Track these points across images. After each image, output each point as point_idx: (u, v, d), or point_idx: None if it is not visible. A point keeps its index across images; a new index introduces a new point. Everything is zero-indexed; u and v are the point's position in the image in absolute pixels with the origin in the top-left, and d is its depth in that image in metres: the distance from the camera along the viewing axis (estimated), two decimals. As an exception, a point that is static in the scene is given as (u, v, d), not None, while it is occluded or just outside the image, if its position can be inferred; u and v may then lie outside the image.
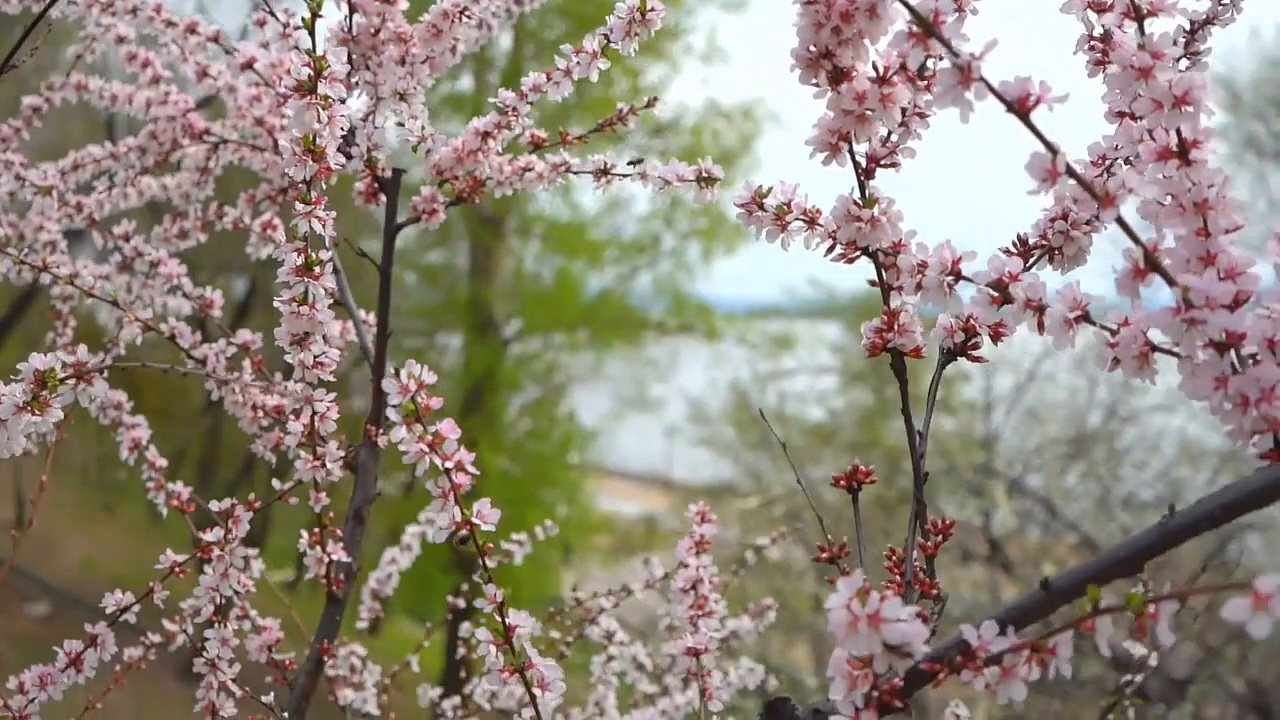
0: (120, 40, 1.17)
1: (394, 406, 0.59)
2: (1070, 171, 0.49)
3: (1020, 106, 0.49)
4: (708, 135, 10.10)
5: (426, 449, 0.60)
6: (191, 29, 1.07)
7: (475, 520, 0.61)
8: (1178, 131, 0.52)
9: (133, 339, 1.06)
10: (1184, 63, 0.70)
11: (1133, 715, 1.02)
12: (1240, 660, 5.96)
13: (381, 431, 0.94)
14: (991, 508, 5.83)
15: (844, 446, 8.60)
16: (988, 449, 6.02)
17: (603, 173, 0.94)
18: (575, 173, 0.95)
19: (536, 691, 0.63)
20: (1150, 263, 0.50)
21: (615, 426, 12.05)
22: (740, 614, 1.43)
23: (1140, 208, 0.57)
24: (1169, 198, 0.53)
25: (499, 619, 0.63)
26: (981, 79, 0.48)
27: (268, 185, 1.15)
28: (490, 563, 0.65)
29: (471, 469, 0.61)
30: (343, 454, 0.89)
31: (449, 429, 0.61)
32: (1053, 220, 0.66)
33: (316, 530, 0.93)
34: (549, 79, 0.89)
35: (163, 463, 1.07)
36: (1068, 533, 6.45)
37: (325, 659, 0.96)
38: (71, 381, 0.65)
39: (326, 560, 0.94)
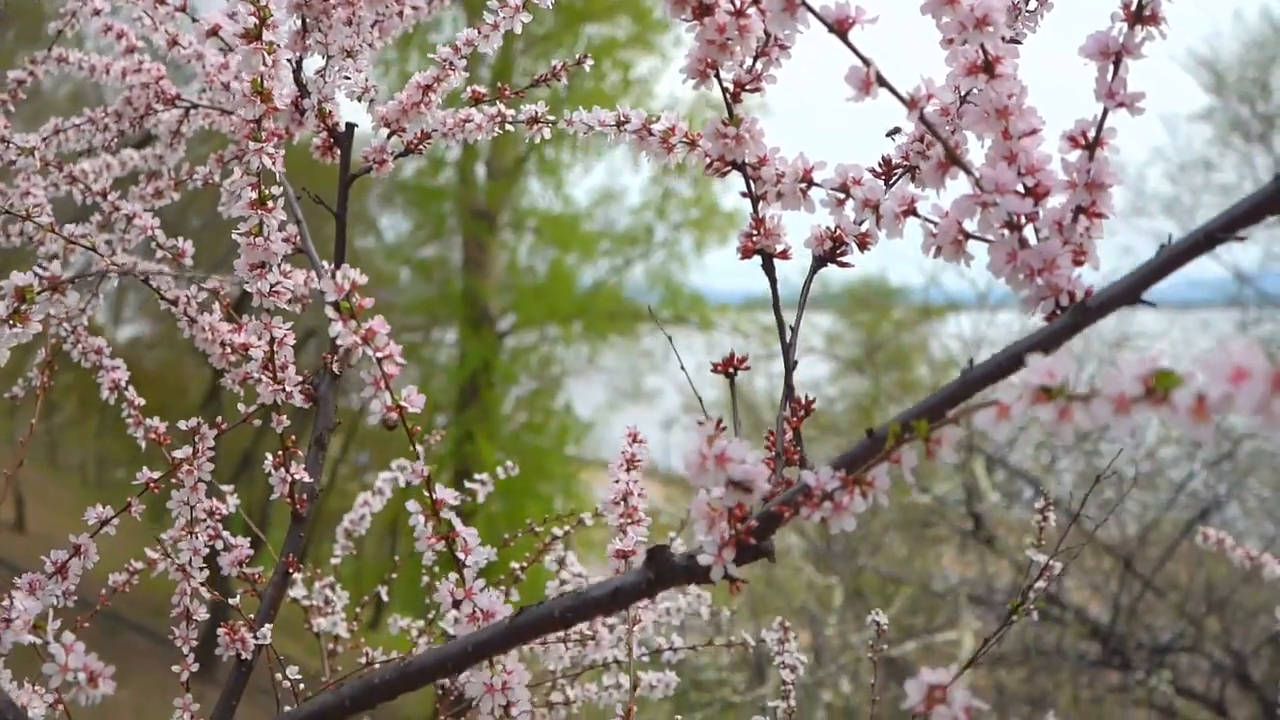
0: (96, 13, 1.26)
1: (330, 304, 0.68)
2: (880, 80, 0.58)
3: (840, 27, 0.58)
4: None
5: (360, 341, 0.69)
6: (160, 0, 1.15)
7: (404, 404, 0.71)
8: (982, 48, 0.61)
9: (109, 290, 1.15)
10: (1032, 3, 0.79)
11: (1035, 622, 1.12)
12: (1223, 630, 6.07)
13: (337, 358, 1.03)
14: (971, 481, 5.94)
15: (838, 432, 8.70)
16: (968, 425, 6.13)
17: (534, 120, 1.03)
18: (511, 123, 1.04)
19: (460, 555, 0.72)
20: (951, 158, 0.59)
21: (611, 418, 12.14)
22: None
23: (964, 121, 0.66)
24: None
25: (427, 493, 0.72)
26: (804, 4, 0.57)
27: (236, 146, 1.24)
28: (419, 449, 0.74)
29: (400, 360, 0.70)
30: (301, 378, 0.98)
31: (380, 324, 0.70)
32: (913, 142, 0.75)
33: (280, 453, 1.02)
34: (480, 32, 0.99)
35: (141, 401, 1.16)
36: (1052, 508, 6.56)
37: (291, 572, 1.06)
38: (47, 294, 0.74)
39: (290, 481, 1.03)
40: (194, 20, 1.15)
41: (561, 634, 1.21)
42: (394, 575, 1.53)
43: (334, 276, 0.68)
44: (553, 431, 11.63)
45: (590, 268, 12.14)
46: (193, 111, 1.26)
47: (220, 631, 1.02)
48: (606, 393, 12.25)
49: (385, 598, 1.47)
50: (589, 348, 12.22)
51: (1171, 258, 0.54)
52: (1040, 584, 1.11)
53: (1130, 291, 0.55)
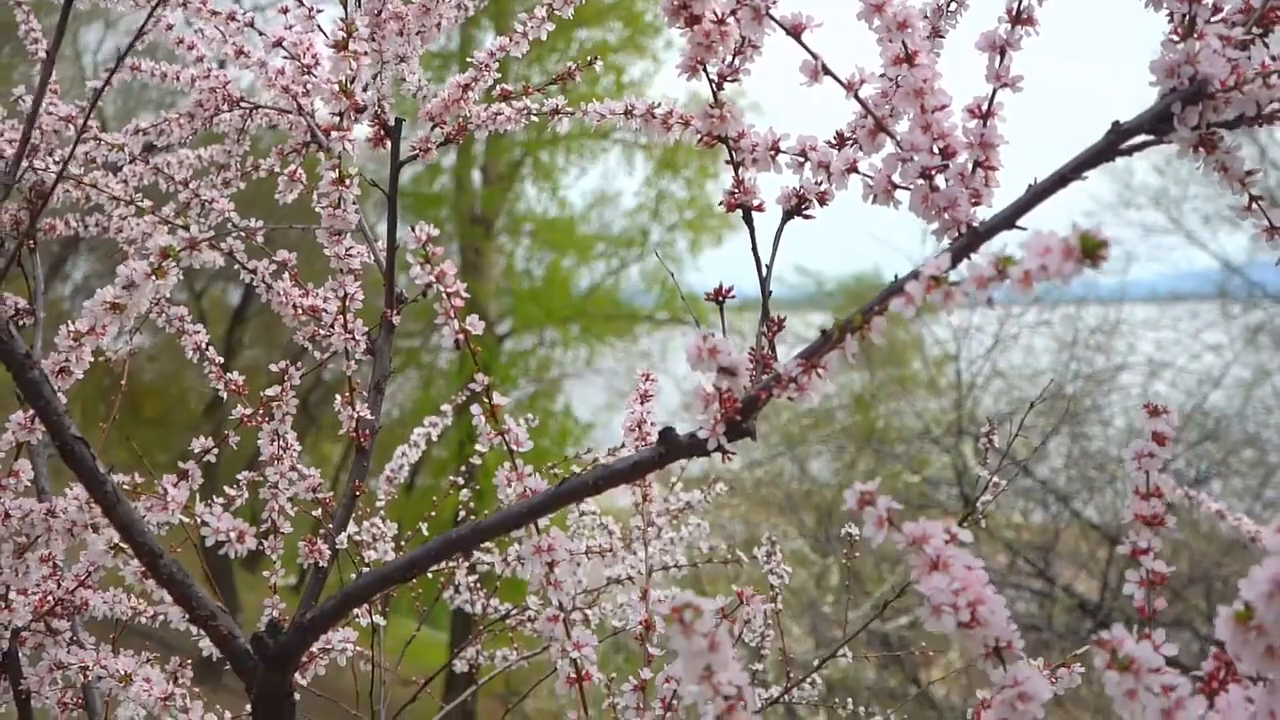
0: (170, 28, 1.46)
1: (411, 251, 0.89)
2: (825, 70, 0.78)
3: (795, 31, 0.78)
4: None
5: (434, 280, 0.90)
6: (231, 17, 1.36)
7: (468, 328, 0.91)
8: (904, 44, 0.81)
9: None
10: (954, 5, 1.00)
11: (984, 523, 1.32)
12: (1206, 603, 6.28)
13: (397, 313, 1.23)
14: (961, 463, 6.15)
15: (837, 429, 8.92)
16: (959, 408, 6.36)
17: (555, 112, 1.23)
18: (535, 115, 1.25)
19: (514, 446, 0.92)
20: (879, 126, 0.79)
21: (610, 419, 12.32)
22: (691, 489, 1.73)
23: (894, 101, 0.86)
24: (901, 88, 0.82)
25: (487, 400, 0.93)
26: (769, 14, 0.78)
27: (293, 140, 1.44)
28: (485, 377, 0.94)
29: (464, 294, 0.91)
30: (367, 330, 1.18)
31: (449, 267, 0.90)
32: (857, 117, 0.95)
33: (348, 393, 1.23)
34: (511, 39, 1.19)
35: (220, 360, 1.36)
36: (1040, 490, 6.81)
37: (357, 495, 1.26)
38: (187, 251, 0.94)
39: (356, 417, 1.23)
40: (260, 34, 1.36)
41: (585, 549, 1.41)
42: (434, 514, 1.73)
43: (413, 230, 0.88)
44: (553, 433, 11.80)
45: (587, 270, 12.34)
46: (255, 111, 1.47)
47: (300, 544, 1.22)
48: (605, 394, 12.42)
49: (426, 533, 1.67)
50: (587, 350, 12.41)
51: (1036, 193, 0.74)
52: (986, 498, 1.31)
53: (1008, 220, 0.75)
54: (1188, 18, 0.72)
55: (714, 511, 7.68)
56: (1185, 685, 0.60)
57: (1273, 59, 0.72)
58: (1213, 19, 0.73)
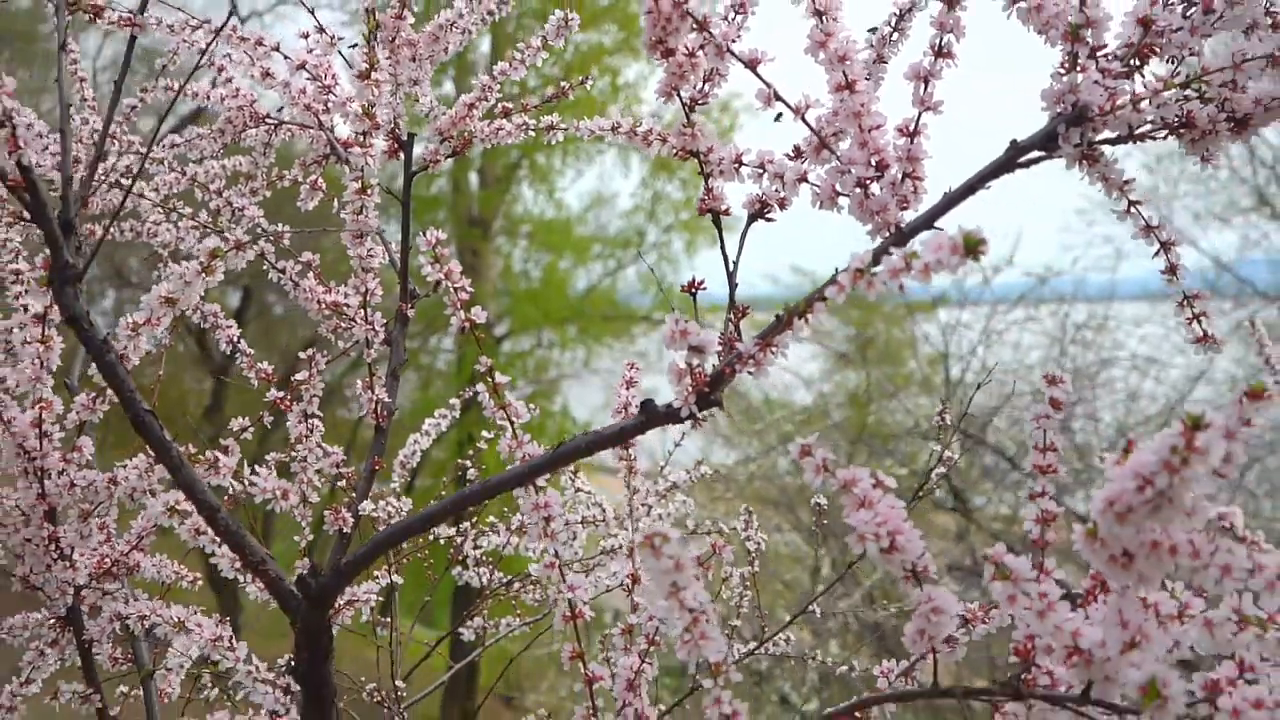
0: (202, 52, 1.61)
1: (423, 253, 1.04)
2: (777, 96, 0.93)
3: (752, 64, 0.94)
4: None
5: (443, 277, 1.05)
6: (260, 42, 1.51)
7: (473, 317, 1.06)
8: (844, 74, 0.96)
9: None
10: (895, 35, 1.15)
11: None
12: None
13: (411, 307, 1.38)
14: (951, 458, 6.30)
15: (832, 428, 9.06)
16: (946, 401, 6.52)
17: (551, 128, 1.38)
18: (534, 130, 1.40)
19: (514, 418, 1.07)
20: (822, 144, 0.94)
21: (607, 419, 12.44)
22: (678, 471, 1.89)
23: (838, 121, 1.01)
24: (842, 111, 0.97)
25: (490, 379, 1.08)
26: (729, 50, 0.93)
27: (314, 153, 1.59)
28: (487, 360, 1.09)
29: (469, 289, 1.06)
30: (385, 321, 1.33)
31: (455, 265, 1.05)
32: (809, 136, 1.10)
33: (368, 379, 1.38)
34: (511, 65, 1.34)
35: (250, 352, 1.51)
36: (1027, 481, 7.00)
37: (376, 469, 1.41)
38: (233, 251, 1.09)
39: (375, 400, 1.38)
40: (285, 57, 1.51)
41: (580, 518, 1.57)
42: (443, 493, 1.88)
43: (425, 234, 1.03)
44: (551, 433, 11.94)
45: (584, 272, 12.49)
46: (279, 127, 1.62)
47: (326, 513, 1.37)
48: (603, 394, 12.56)
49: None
50: (584, 350, 12.55)
51: (950, 200, 0.89)
52: (940, 471, 1.46)
53: (926, 222, 0.90)
54: (1071, 54, 0.87)
55: (709, 506, 7.84)
56: (1056, 590, 0.75)
57: (1145, 86, 0.87)
58: (1098, 52, 0.89)
